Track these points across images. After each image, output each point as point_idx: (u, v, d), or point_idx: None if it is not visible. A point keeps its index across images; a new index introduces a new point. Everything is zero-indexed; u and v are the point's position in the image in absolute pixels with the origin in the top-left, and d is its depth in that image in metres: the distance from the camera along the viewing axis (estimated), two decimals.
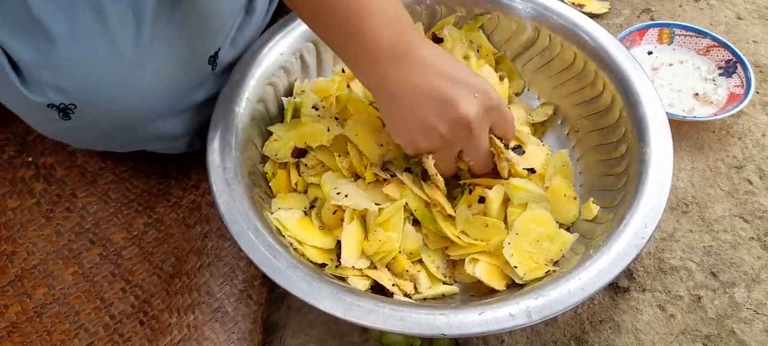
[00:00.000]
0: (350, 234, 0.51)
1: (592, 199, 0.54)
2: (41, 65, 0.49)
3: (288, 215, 0.53)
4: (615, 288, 0.56)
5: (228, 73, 0.58)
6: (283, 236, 0.52)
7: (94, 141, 0.58)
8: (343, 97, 0.57)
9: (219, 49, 0.57)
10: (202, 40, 0.55)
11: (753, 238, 0.59)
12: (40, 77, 0.49)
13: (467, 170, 0.53)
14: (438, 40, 0.63)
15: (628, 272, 0.57)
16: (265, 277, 0.52)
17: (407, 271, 0.52)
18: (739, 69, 0.69)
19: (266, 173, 0.57)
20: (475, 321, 0.44)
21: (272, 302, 0.56)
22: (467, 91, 0.47)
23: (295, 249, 0.51)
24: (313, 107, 0.58)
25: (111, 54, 0.49)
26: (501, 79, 0.62)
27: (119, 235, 0.61)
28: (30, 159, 0.67)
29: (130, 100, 0.51)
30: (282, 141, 0.57)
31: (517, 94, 0.65)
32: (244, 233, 0.49)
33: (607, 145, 0.57)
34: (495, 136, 0.51)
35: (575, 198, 0.54)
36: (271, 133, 0.58)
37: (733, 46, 0.71)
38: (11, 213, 0.63)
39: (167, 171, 0.66)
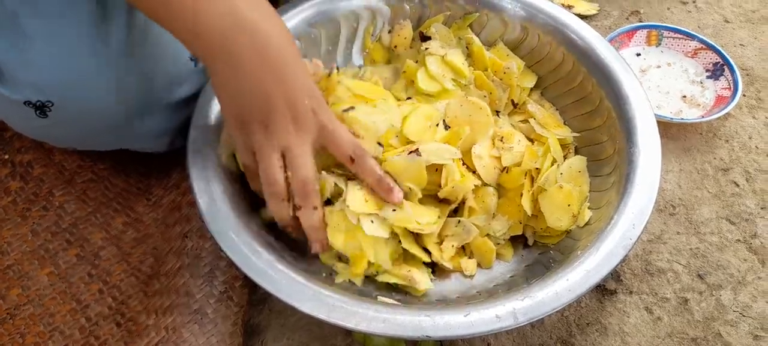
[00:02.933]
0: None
1: (586, 204, 0.53)
2: (18, 63, 0.47)
3: None
4: (602, 290, 0.56)
5: None
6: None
7: (73, 139, 0.57)
8: None
9: None
10: None
11: (739, 240, 0.59)
12: (17, 75, 0.48)
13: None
14: (426, 38, 0.63)
15: (615, 275, 0.57)
16: (246, 278, 0.51)
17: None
18: (727, 72, 0.69)
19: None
20: (461, 323, 0.43)
21: (254, 305, 0.55)
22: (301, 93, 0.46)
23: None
24: None
25: (88, 50, 0.48)
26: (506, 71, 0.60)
27: (97, 235, 0.60)
28: (6, 156, 0.65)
29: (108, 96, 0.50)
30: None
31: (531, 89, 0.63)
32: (224, 233, 0.47)
33: (596, 146, 0.57)
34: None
35: (574, 215, 0.52)
36: None
37: (720, 49, 0.71)
38: None
39: (148, 170, 0.64)
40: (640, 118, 0.53)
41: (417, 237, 0.52)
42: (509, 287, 0.49)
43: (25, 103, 0.49)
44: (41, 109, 0.49)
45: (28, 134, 0.56)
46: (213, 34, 0.43)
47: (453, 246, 0.52)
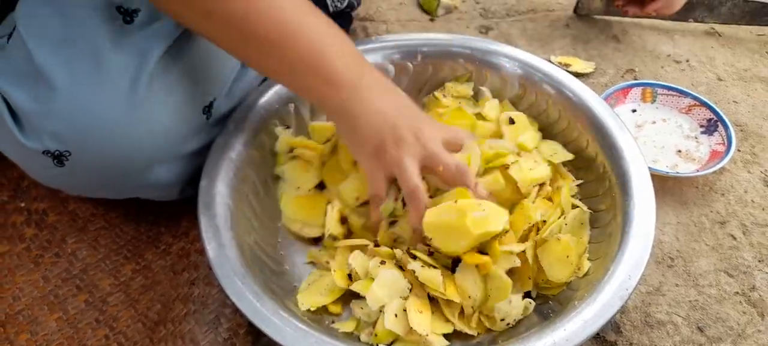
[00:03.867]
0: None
1: (586, 255, 0.54)
2: (40, 113, 0.50)
3: None
4: (602, 342, 0.56)
5: (222, 123, 0.60)
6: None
7: (87, 188, 0.59)
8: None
9: (214, 99, 0.59)
10: (198, 91, 0.57)
11: (738, 292, 0.60)
12: (37, 124, 0.50)
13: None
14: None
15: (615, 326, 0.57)
16: (250, 325, 0.52)
17: None
18: (721, 127, 0.71)
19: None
20: None
21: None
22: (409, 116, 0.54)
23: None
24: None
25: (107, 102, 0.50)
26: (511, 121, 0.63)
27: (106, 281, 0.61)
28: (22, 204, 0.67)
29: (124, 147, 0.52)
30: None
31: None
32: (230, 279, 0.49)
33: (593, 199, 0.58)
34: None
35: (574, 266, 0.53)
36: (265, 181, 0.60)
37: (713, 106, 0.73)
38: (0, 258, 0.63)
39: (158, 218, 0.66)
40: (634, 171, 0.55)
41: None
42: (509, 337, 0.50)
43: (43, 152, 0.51)
44: (59, 158, 0.52)
45: (44, 182, 0.59)
46: (343, 80, 0.52)
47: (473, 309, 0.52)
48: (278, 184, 0.62)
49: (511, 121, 0.61)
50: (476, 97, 0.67)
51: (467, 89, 0.67)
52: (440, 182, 0.53)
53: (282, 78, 0.55)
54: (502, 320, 0.50)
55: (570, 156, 0.61)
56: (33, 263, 0.63)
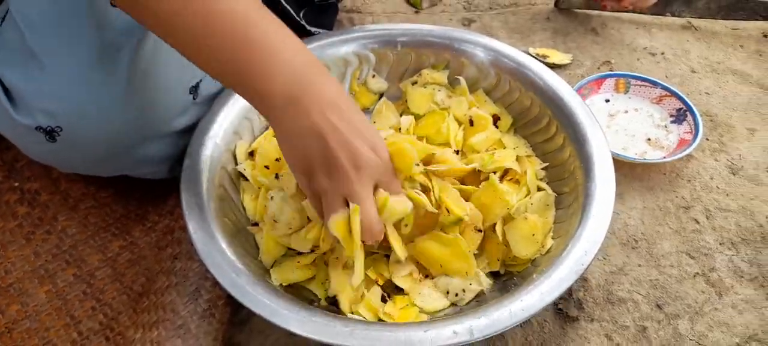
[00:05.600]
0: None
1: (550, 234, 0.57)
2: (32, 90, 0.53)
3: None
4: (564, 317, 0.59)
5: (209, 103, 0.63)
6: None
7: (78, 164, 0.61)
8: None
9: (201, 80, 0.62)
10: (183, 72, 0.60)
11: (698, 273, 0.62)
12: (29, 101, 0.53)
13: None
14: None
15: (578, 303, 0.60)
16: (228, 297, 0.55)
17: None
18: (689, 117, 0.74)
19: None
20: (421, 338, 0.46)
21: (237, 324, 0.59)
22: (359, 139, 0.48)
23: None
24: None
25: (95, 81, 0.53)
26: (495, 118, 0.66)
27: (94, 256, 0.64)
28: (16, 184, 0.70)
29: (113, 124, 0.55)
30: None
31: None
32: (209, 253, 0.52)
33: (559, 182, 0.61)
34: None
35: (539, 244, 0.55)
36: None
37: (683, 96, 0.75)
38: None
39: (146, 196, 0.69)
40: (597, 155, 0.58)
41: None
42: (470, 308, 0.52)
43: (36, 128, 0.54)
44: (51, 134, 0.55)
45: (38, 158, 0.61)
46: (277, 98, 0.47)
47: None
48: (240, 182, 0.62)
49: (471, 123, 0.64)
50: (452, 85, 0.70)
51: (442, 77, 0.69)
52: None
53: (217, 77, 0.51)
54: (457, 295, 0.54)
55: (531, 152, 0.64)
56: (25, 239, 0.65)
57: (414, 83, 0.70)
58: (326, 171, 0.48)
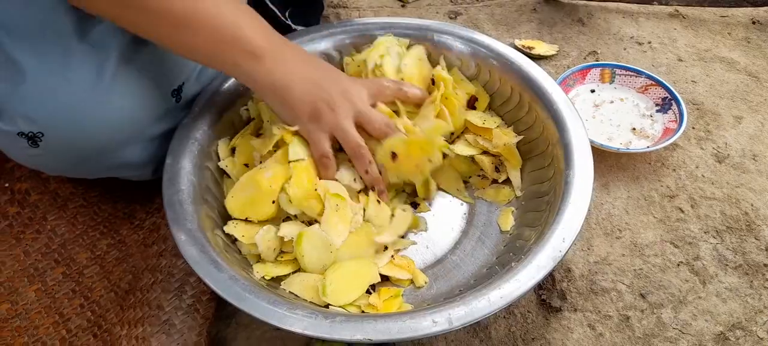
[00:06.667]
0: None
1: (512, 209, 0.58)
2: (12, 97, 0.53)
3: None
4: (548, 307, 0.59)
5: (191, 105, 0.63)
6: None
7: (63, 167, 0.62)
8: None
9: (183, 83, 0.62)
10: (166, 75, 0.60)
11: (682, 262, 0.62)
12: (10, 108, 0.53)
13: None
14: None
15: (561, 293, 0.60)
16: (212, 293, 0.56)
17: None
18: (674, 105, 0.74)
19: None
20: (400, 327, 0.47)
21: (222, 319, 0.59)
22: (333, 79, 0.58)
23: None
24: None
25: (74, 87, 0.53)
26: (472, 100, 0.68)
27: (83, 255, 0.65)
28: (6, 184, 0.71)
29: (93, 129, 0.55)
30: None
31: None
32: (191, 249, 0.52)
33: (539, 171, 0.61)
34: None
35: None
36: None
37: (668, 85, 0.75)
38: None
39: (134, 196, 0.70)
40: (576, 143, 0.58)
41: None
42: (450, 296, 0.53)
43: (18, 134, 0.54)
44: (33, 139, 0.55)
45: (23, 163, 0.62)
46: (266, 53, 0.55)
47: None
48: (223, 179, 0.63)
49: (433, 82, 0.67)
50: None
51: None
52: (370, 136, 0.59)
53: (207, 58, 0.56)
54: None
55: (499, 120, 0.66)
56: (15, 239, 0.66)
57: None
58: (330, 108, 0.56)
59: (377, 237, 0.58)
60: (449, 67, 0.69)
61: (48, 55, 0.52)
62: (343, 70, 0.69)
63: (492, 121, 0.65)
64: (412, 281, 0.58)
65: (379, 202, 0.60)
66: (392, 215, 0.61)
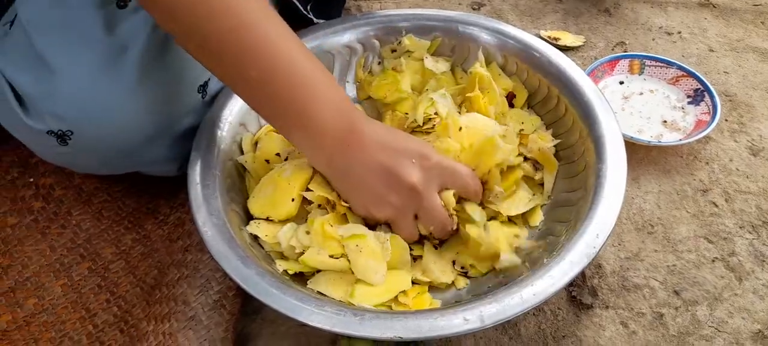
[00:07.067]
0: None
1: (541, 205, 0.57)
2: (41, 95, 0.53)
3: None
4: (578, 305, 0.58)
5: None
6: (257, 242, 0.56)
7: (91, 165, 0.62)
8: None
9: (209, 79, 0.61)
10: (192, 71, 0.59)
11: (717, 258, 0.61)
12: (40, 106, 0.53)
13: (431, 235, 0.55)
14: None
15: (592, 290, 0.59)
16: (238, 288, 0.55)
17: None
18: (707, 97, 0.72)
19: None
20: (432, 325, 0.46)
21: (247, 315, 0.59)
22: (406, 158, 0.51)
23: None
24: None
25: (103, 84, 0.53)
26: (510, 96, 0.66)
27: (108, 250, 0.65)
28: (31, 179, 0.71)
29: (121, 126, 0.55)
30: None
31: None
32: (217, 245, 0.52)
33: (570, 164, 0.60)
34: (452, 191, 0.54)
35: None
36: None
37: (700, 76, 0.73)
38: (10, 229, 0.67)
39: (158, 191, 0.69)
40: (608, 136, 0.56)
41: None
42: (479, 293, 0.52)
43: (47, 132, 0.54)
44: (62, 137, 0.55)
45: (51, 161, 0.62)
46: (327, 137, 0.51)
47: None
48: (246, 175, 0.62)
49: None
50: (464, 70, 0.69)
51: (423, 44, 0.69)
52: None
53: (267, 117, 0.55)
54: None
55: (540, 127, 0.63)
56: (40, 233, 0.66)
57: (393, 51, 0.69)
58: (395, 193, 0.51)
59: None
60: (488, 63, 0.67)
61: (77, 54, 0.52)
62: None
63: (531, 123, 0.63)
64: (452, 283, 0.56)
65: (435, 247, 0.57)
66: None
